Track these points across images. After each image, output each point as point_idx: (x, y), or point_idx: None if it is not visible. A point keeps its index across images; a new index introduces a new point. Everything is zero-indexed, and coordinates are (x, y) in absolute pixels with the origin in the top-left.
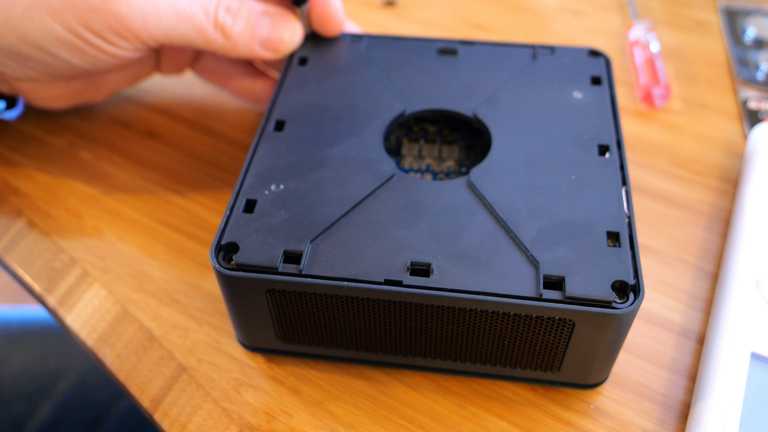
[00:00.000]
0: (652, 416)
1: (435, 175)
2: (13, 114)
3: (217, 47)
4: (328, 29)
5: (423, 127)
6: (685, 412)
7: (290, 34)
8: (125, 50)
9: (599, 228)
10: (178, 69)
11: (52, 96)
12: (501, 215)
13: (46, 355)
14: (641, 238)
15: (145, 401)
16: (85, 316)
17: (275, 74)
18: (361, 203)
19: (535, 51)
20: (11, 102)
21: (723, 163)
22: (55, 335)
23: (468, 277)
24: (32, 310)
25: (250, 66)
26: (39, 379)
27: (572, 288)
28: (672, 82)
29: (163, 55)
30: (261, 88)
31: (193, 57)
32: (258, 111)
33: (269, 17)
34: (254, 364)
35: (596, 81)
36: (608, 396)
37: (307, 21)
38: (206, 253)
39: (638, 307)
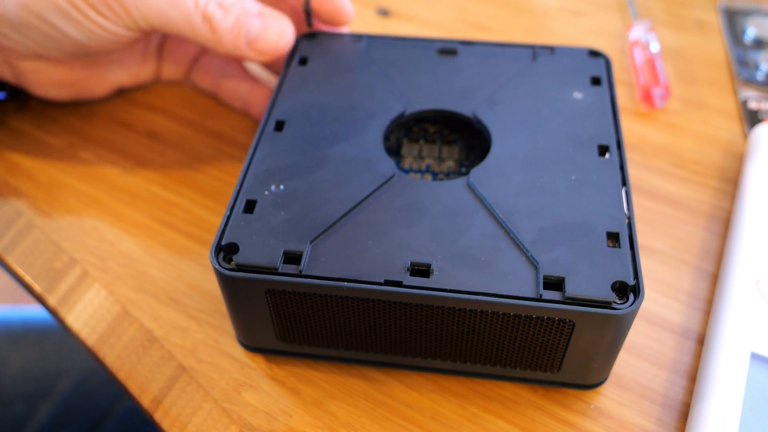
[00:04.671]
0: (652, 416)
1: (435, 176)
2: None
3: (203, 40)
4: (336, 23)
5: (423, 128)
6: (685, 412)
7: (278, 37)
8: (116, 25)
9: (599, 228)
10: (178, 71)
11: (53, 81)
12: (501, 216)
13: (46, 355)
14: (641, 238)
15: (145, 401)
16: (85, 317)
17: (272, 82)
18: (361, 203)
19: (535, 51)
20: (12, 95)
21: (723, 163)
22: (55, 335)
23: (468, 277)
24: (32, 310)
25: (241, 69)
26: (39, 380)
27: (572, 288)
28: (672, 82)
29: (165, 54)
30: (247, 91)
31: (192, 59)
32: (248, 117)
33: (261, 18)
34: (254, 364)
35: (596, 81)
36: (608, 396)
37: (311, 20)
38: (206, 253)
39: (638, 307)
